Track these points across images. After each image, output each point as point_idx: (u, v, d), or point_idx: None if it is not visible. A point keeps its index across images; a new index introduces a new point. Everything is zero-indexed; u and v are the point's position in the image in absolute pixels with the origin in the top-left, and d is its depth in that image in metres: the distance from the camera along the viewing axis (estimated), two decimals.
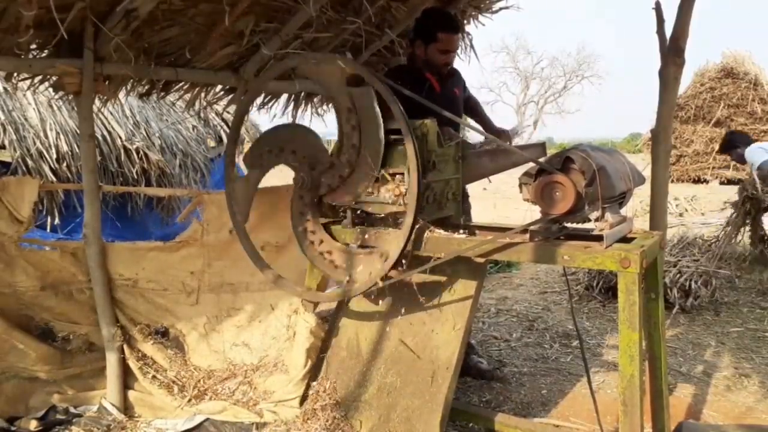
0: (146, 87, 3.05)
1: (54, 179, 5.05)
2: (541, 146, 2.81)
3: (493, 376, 3.35)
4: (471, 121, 3.38)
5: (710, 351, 3.80)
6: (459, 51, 3.21)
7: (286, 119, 3.69)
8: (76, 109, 3.10)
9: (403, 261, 2.12)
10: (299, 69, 2.34)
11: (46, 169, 5.10)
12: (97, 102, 2.96)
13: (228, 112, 5.55)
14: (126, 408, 2.81)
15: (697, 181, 15.59)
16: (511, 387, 3.29)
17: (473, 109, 3.41)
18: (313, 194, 2.26)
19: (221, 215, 2.78)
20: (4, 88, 5.20)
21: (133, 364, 2.81)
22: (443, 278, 2.31)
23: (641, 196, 4.84)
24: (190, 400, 2.77)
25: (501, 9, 3.66)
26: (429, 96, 2.98)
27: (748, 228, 5.84)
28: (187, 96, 3.28)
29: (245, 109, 2.75)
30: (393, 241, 2.13)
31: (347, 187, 2.19)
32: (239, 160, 3.10)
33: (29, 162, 5.03)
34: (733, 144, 5.66)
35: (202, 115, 6.50)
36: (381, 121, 2.07)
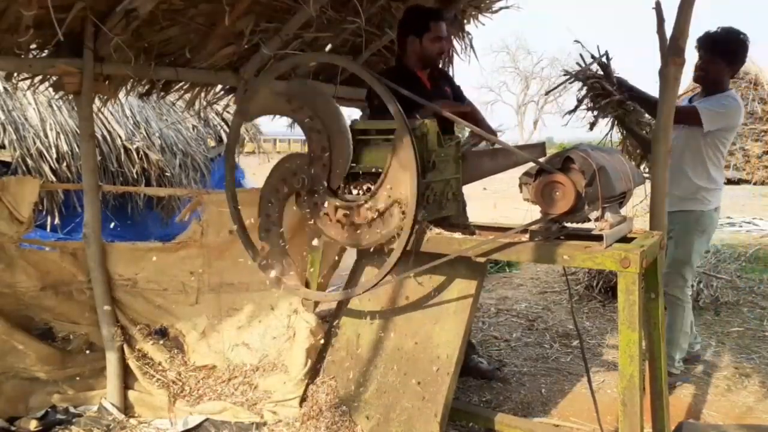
0: (146, 87, 3.05)
1: (54, 179, 5.06)
2: (541, 146, 2.81)
3: (493, 376, 3.35)
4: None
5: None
6: (456, 49, 3.21)
7: (286, 119, 3.68)
8: (76, 109, 3.10)
9: (404, 261, 2.12)
10: (308, 69, 2.35)
11: (46, 169, 5.11)
12: (97, 102, 2.96)
13: (228, 112, 5.55)
14: (126, 408, 2.81)
15: None
16: (511, 387, 3.29)
17: (475, 116, 3.41)
18: (313, 194, 2.26)
19: (221, 215, 2.78)
20: (4, 88, 5.20)
21: (133, 364, 2.81)
22: (443, 278, 2.31)
23: (641, 196, 4.84)
24: (189, 400, 2.77)
25: (501, 9, 3.67)
26: (421, 94, 3.00)
27: None
28: (187, 96, 3.29)
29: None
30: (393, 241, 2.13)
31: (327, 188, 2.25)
32: (239, 160, 3.10)
33: (29, 162, 5.04)
34: None
35: (202, 115, 6.50)
36: (344, 121, 2.16)
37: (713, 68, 3.12)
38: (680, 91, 3.24)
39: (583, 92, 3.10)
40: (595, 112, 3.12)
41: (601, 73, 3.08)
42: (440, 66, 3.27)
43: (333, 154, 2.19)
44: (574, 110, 3.14)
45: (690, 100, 3.34)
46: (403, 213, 2.06)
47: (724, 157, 3.19)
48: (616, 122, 3.22)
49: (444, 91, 3.14)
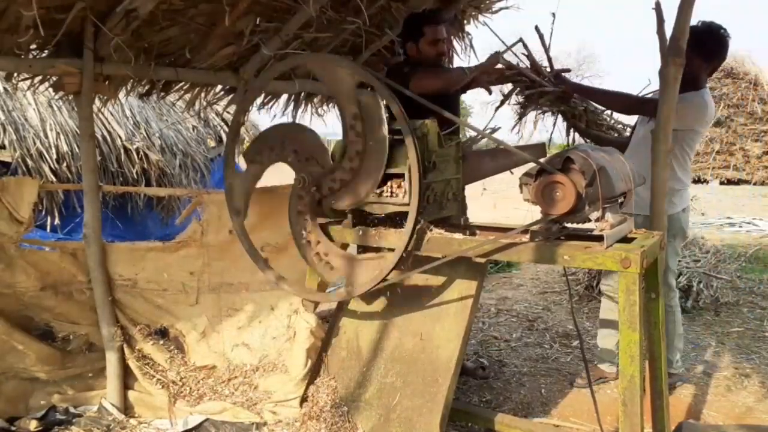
0: (146, 87, 3.05)
1: (54, 179, 5.05)
2: (542, 146, 2.80)
3: (476, 375, 3.36)
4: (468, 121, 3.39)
5: (710, 351, 3.80)
6: (456, 49, 3.22)
7: (287, 119, 3.69)
8: (76, 109, 3.10)
9: (404, 261, 2.12)
10: (307, 69, 2.34)
11: (46, 169, 5.10)
12: (97, 102, 2.96)
13: (228, 112, 5.55)
14: (126, 408, 2.81)
15: (697, 181, 15.58)
16: (511, 387, 3.29)
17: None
18: (313, 195, 2.26)
19: (221, 215, 2.78)
20: (4, 88, 5.20)
21: (133, 364, 2.81)
22: (443, 278, 2.31)
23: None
24: (189, 401, 2.77)
25: (501, 9, 3.67)
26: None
27: None
28: (187, 96, 3.29)
29: (245, 107, 2.75)
30: (394, 241, 2.13)
31: (349, 190, 2.19)
32: (239, 159, 3.10)
33: (29, 162, 5.04)
34: None
35: (202, 115, 6.50)
36: (386, 128, 2.06)
37: (689, 65, 2.82)
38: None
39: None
40: (522, 108, 3.09)
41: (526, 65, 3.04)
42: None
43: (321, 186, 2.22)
44: (500, 105, 3.11)
45: None
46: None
47: (690, 159, 3.03)
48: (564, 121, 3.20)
49: (450, 98, 3.17)
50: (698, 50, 2.84)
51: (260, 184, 2.51)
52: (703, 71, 2.96)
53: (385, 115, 2.06)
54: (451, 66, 3.31)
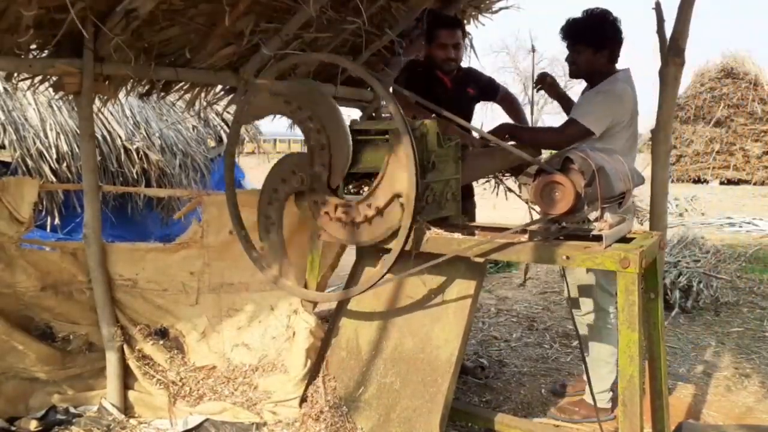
0: (146, 87, 3.05)
1: (54, 179, 5.06)
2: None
3: (476, 375, 3.36)
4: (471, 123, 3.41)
5: (710, 351, 3.80)
6: (463, 50, 3.23)
7: (286, 119, 3.68)
8: (76, 109, 3.10)
9: (403, 261, 2.12)
10: (307, 69, 2.33)
11: (46, 169, 5.10)
12: (97, 102, 2.96)
13: (228, 112, 5.55)
14: (126, 408, 2.81)
15: (697, 181, 15.60)
16: (511, 387, 3.29)
17: (510, 104, 3.44)
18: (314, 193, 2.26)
19: (221, 216, 2.77)
20: (4, 88, 5.20)
21: (133, 364, 2.80)
22: (443, 278, 2.31)
23: (641, 196, 4.84)
24: (189, 401, 2.77)
25: (501, 9, 3.67)
26: (440, 93, 3.06)
27: None
28: (187, 96, 3.28)
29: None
30: (392, 241, 2.13)
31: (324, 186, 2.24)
32: (239, 160, 3.11)
33: (29, 162, 5.04)
34: None
35: (202, 115, 6.50)
36: (341, 116, 2.16)
37: (581, 58, 2.75)
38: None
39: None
40: None
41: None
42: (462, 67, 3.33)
43: (332, 153, 2.19)
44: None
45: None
46: (402, 207, 2.06)
47: (633, 159, 2.74)
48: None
49: (467, 93, 3.27)
50: (587, 40, 2.72)
51: (260, 183, 2.51)
52: (599, 60, 2.74)
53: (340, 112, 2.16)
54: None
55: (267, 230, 2.41)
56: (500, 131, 2.68)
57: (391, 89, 3.26)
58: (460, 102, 3.21)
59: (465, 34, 3.18)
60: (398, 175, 2.06)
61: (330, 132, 2.19)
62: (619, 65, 2.81)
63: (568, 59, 2.83)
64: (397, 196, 2.07)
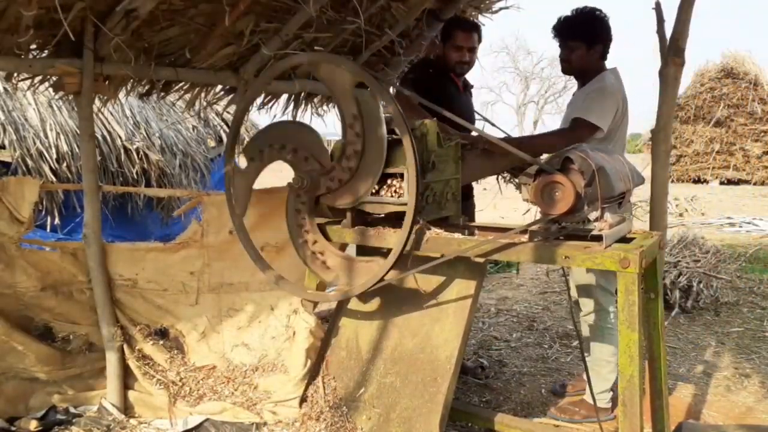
0: (146, 87, 3.05)
1: (54, 179, 5.06)
2: None
3: (476, 375, 3.36)
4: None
5: (710, 351, 3.80)
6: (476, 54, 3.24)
7: (287, 119, 3.68)
8: (76, 109, 3.10)
9: (402, 261, 2.12)
10: (307, 69, 2.33)
11: (46, 169, 5.11)
12: (97, 102, 2.96)
13: (228, 112, 5.55)
14: (126, 408, 2.81)
15: (697, 181, 15.60)
16: (511, 387, 3.29)
17: None
18: (312, 194, 2.26)
19: (221, 216, 2.78)
20: (4, 88, 5.20)
21: (133, 364, 2.81)
22: (443, 278, 2.31)
23: (641, 196, 4.84)
24: (189, 401, 2.77)
25: (501, 9, 3.67)
26: (453, 94, 3.07)
27: None
28: (187, 96, 3.28)
29: (245, 107, 2.75)
30: (393, 241, 2.13)
31: (348, 189, 2.18)
32: (239, 159, 3.11)
33: (29, 162, 5.04)
34: None
35: (202, 115, 6.50)
36: (385, 127, 2.07)
37: (574, 55, 2.79)
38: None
39: None
40: None
41: None
42: (467, 82, 3.37)
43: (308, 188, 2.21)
44: None
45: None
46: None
47: (621, 150, 2.79)
48: None
49: (470, 102, 3.32)
50: (580, 37, 2.75)
51: (260, 184, 2.51)
52: (592, 57, 2.78)
53: (383, 115, 2.06)
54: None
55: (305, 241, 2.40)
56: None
57: (392, 90, 3.27)
58: (470, 105, 3.29)
59: (481, 39, 3.18)
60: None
61: (321, 160, 2.21)
62: (613, 65, 2.84)
63: (561, 56, 2.87)
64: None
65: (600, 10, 2.78)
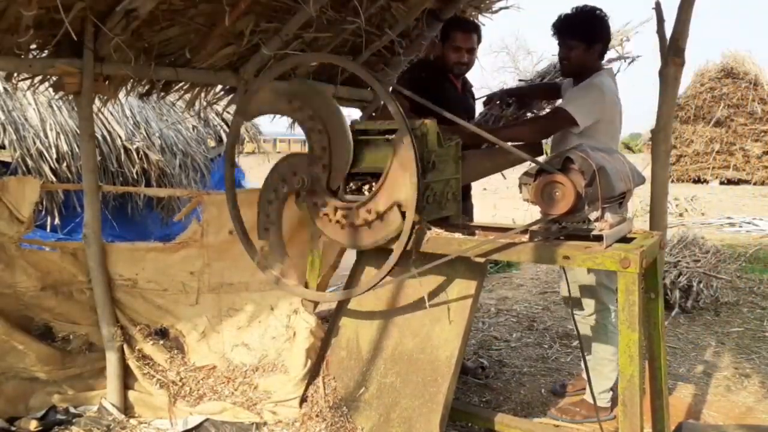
0: (146, 87, 3.05)
1: (54, 179, 5.06)
2: (540, 146, 2.80)
3: (476, 375, 3.36)
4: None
5: (710, 351, 3.80)
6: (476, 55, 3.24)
7: (286, 119, 3.68)
8: (76, 109, 3.10)
9: (403, 261, 2.12)
10: (307, 69, 2.32)
11: (46, 169, 5.11)
12: (97, 102, 2.96)
13: (228, 112, 5.55)
14: (126, 408, 2.81)
15: (697, 181, 15.60)
16: (511, 387, 3.29)
17: None
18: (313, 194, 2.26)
19: (221, 215, 2.77)
20: (4, 88, 5.20)
21: (133, 364, 2.80)
22: (443, 278, 2.31)
23: (641, 196, 4.85)
24: (189, 401, 2.77)
25: (501, 9, 3.67)
26: (451, 95, 3.08)
27: None
28: (187, 96, 3.28)
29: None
30: (393, 241, 2.13)
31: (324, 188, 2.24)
32: (239, 160, 3.11)
33: (29, 162, 5.04)
34: None
35: (202, 115, 6.50)
36: (343, 118, 2.15)
37: (573, 54, 2.76)
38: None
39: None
40: None
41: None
42: (467, 82, 3.38)
43: (333, 154, 2.19)
44: None
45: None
46: (403, 215, 2.06)
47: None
48: None
49: (470, 103, 3.30)
50: (579, 36, 2.73)
51: (257, 184, 2.51)
52: (591, 56, 2.77)
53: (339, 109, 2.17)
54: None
55: (266, 229, 2.41)
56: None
57: (390, 89, 3.27)
58: (468, 105, 3.28)
59: (480, 39, 3.18)
60: (400, 180, 2.06)
61: (331, 133, 2.19)
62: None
63: (559, 55, 2.86)
64: (398, 204, 2.07)
65: (600, 9, 2.77)
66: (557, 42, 2.84)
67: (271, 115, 3.59)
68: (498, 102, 3.20)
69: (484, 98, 3.28)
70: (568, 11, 2.81)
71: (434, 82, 3.07)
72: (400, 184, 2.06)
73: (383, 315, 2.42)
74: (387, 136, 2.15)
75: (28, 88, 2.91)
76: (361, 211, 2.15)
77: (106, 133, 5.62)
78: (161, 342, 2.89)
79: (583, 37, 2.74)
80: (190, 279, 2.90)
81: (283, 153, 2.82)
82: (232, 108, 3.63)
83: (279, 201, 2.36)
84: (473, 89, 3.44)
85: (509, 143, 2.51)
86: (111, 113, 5.76)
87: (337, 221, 2.21)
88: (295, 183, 2.28)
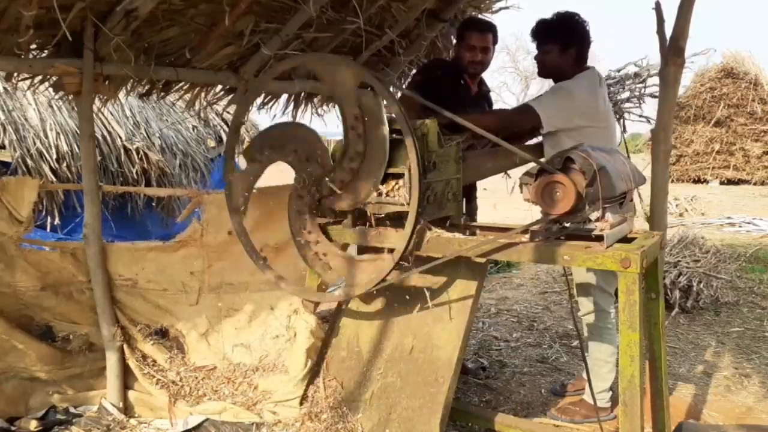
0: (146, 87, 3.05)
1: (54, 179, 5.05)
2: (540, 146, 2.80)
3: (476, 375, 3.36)
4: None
5: (710, 351, 3.80)
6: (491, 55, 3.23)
7: (287, 119, 3.68)
8: (76, 109, 3.10)
9: (404, 261, 2.12)
10: (308, 69, 2.32)
11: (46, 169, 5.10)
12: (97, 102, 2.96)
13: (228, 112, 5.55)
14: (126, 408, 2.81)
15: (697, 181, 15.59)
16: (511, 387, 3.29)
17: None
18: (313, 195, 2.25)
19: (221, 215, 2.77)
20: (4, 88, 5.20)
21: (133, 364, 2.80)
22: (444, 278, 2.31)
23: (641, 196, 4.85)
24: (189, 401, 2.77)
25: (501, 9, 3.67)
26: (463, 95, 3.07)
27: None
28: (187, 96, 3.28)
29: (245, 108, 2.75)
30: (394, 241, 2.13)
31: (349, 190, 2.18)
32: (239, 159, 3.11)
33: (29, 162, 5.03)
34: None
35: (202, 115, 6.49)
36: (387, 128, 2.06)
37: (548, 57, 2.80)
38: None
39: None
40: None
41: None
42: (484, 85, 3.39)
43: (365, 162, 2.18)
44: None
45: None
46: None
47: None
48: None
49: (483, 105, 3.31)
50: (554, 39, 2.76)
51: (260, 184, 2.51)
52: (566, 59, 2.77)
53: (385, 116, 2.06)
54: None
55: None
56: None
57: (397, 93, 3.28)
58: (483, 107, 3.28)
59: (496, 39, 3.17)
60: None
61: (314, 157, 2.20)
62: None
63: (535, 58, 2.89)
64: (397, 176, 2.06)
65: (578, 15, 2.79)
66: (535, 45, 2.86)
67: (271, 115, 3.60)
68: None
69: None
70: (550, 17, 2.83)
71: (448, 82, 3.07)
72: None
73: (383, 315, 2.42)
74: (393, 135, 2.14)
75: (28, 88, 2.91)
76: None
77: (106, 133, 5.61)
78: (161, 342, 2.89)
79: (556, 41, 2.76)
80: (190, 279, 2.90)
81: None
82: (232, 108, 3.64)
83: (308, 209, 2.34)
84: (489, 93, 3.42)
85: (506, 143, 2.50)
86: (111, 113, 5.75)
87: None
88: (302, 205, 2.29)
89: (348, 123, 2.11)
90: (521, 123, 2.71)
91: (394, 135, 2.09)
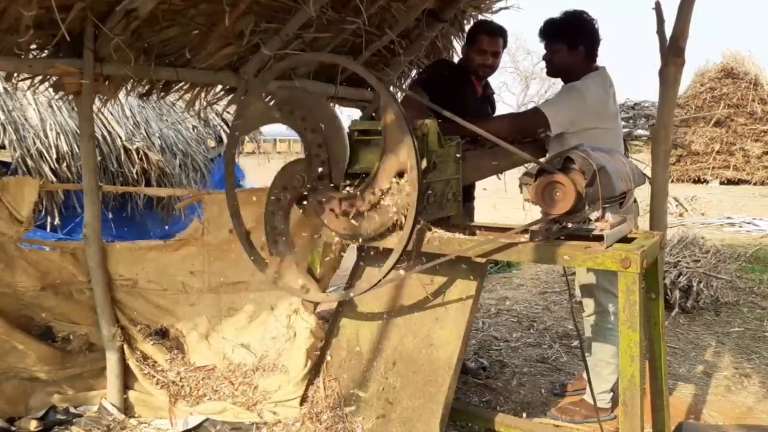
0: (146, 87, 3.05)
1: (54, 179, 5.05)
2: (542, 146, 2.80)
3: (476, 375, 3.36)
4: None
5: (710, 351, 3.80)
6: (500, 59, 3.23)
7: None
8: (76, 109, 3.10)
9: (404, 261, 2.11)
10: (307, 69, 2.28)
11: (46, 169, 5.10)
12: (97, 102, 2.96)
13: (228, 112, 5.55)
14: (126, 408, 2.81)
15: (697, 181, 15.60)
16: (511, 387, 3.29)
17: None
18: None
19: (221, 215, 2.77)
20: (4, 88, 5.20)
21: (133, 364, 2.80)
22: (444, 278, 2.31)
23: (641, 196, 4.85)
24: (189, 401, 2.77)
25: (501, 9, 3.67)
26: (469, 96, 3.07)
27: None
28: (187, 96, 3.28)
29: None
30: (393, 241, 2.12)
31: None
32: (239, 160, 3.11)
33: (29, 162, 5.03)
34: None
35: (202, 115, 6.49)
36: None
37: (556, 56, 2.78)
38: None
39: None
40: None
41: None
42: (488, 87, 3.39)
43: (330, 149, 2.16)
44: None
45: None
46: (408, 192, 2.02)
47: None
48: None
49: (486, 108, 3.33)
50: (562, 38, 2.74)
51: (261, 184, 2.51)
52: (575, 58, 2.75)
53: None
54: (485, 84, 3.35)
55: (275, 241, 2.37)
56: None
57: (397, 94, 3.28)
58: (486, 110, 3.29)
59: (506, 44, 3.18)
60: (398, 155, 2.01)
61: (325, 129, 2.17)
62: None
63: (544, 57, 2.87)
64: (399, 174, 2.03)
65: (586, 13, 2.76)
66: (543, 45, 2.85)
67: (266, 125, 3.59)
68: None
69: None
70: (558, 15, 2.81)
71: (455, 82, 3.08)
72: (398, 156, 2.02)
73: (383, 315, 2.42)
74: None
75: (28, 88, 2.91)
76: (365, 194, 2.11)
77: (106, 133, 5.61)
78: (161, 342, 2.89)
79: (564, 40, 2.74)
80: (190, 279, 2.90)
81: (284, 153, 2.81)
82: (232, 108, 3.64)
83: (284, 210, 2.33)
84: (494, 95, 3.43)
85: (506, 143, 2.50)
86: (111, 113, 5.75)
87: (344, 212, 2.17)
88: (297, 184, 2.26)
89: (299, 128, 2.15)
90: (531, 127, 2.67)
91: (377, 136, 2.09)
